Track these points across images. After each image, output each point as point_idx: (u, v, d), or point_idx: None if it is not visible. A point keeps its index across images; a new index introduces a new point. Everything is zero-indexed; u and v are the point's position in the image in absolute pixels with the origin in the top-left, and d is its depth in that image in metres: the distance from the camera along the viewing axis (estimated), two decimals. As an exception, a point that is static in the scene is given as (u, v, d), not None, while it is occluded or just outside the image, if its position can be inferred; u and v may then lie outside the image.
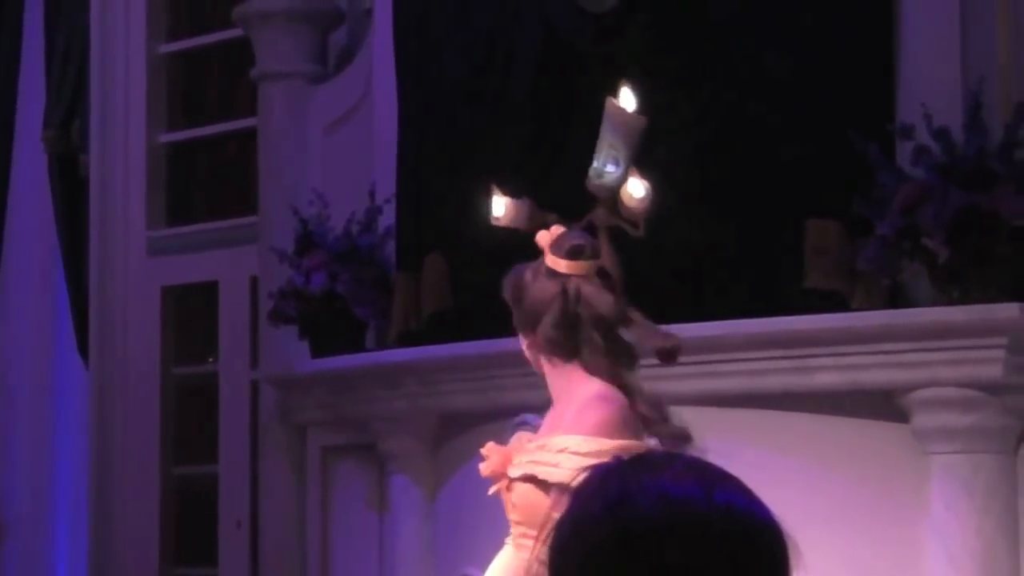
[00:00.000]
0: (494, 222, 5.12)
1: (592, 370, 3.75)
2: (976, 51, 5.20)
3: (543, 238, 3.87)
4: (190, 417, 8.00)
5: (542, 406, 3.90)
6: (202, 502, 7.80)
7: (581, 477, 1.65)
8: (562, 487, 3.56)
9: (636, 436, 3.68)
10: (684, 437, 3.68)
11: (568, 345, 3.75)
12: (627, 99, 4.91)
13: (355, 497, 6.77)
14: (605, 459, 3.57)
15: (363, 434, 6.51)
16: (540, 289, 3.78)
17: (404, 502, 6.36)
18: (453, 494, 6.16)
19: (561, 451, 3.63)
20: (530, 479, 3.69)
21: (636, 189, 4.85)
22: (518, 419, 4.00)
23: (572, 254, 3.80)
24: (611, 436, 3.63)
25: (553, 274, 3.78)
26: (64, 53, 8.34)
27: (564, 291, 3.75)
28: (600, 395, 3.70)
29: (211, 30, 7.99)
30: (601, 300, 3.74)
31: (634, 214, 4.87)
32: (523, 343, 3.88)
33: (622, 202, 4.91)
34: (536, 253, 3.93)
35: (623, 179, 4.92)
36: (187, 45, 8.11)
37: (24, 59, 8.64)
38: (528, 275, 3.83)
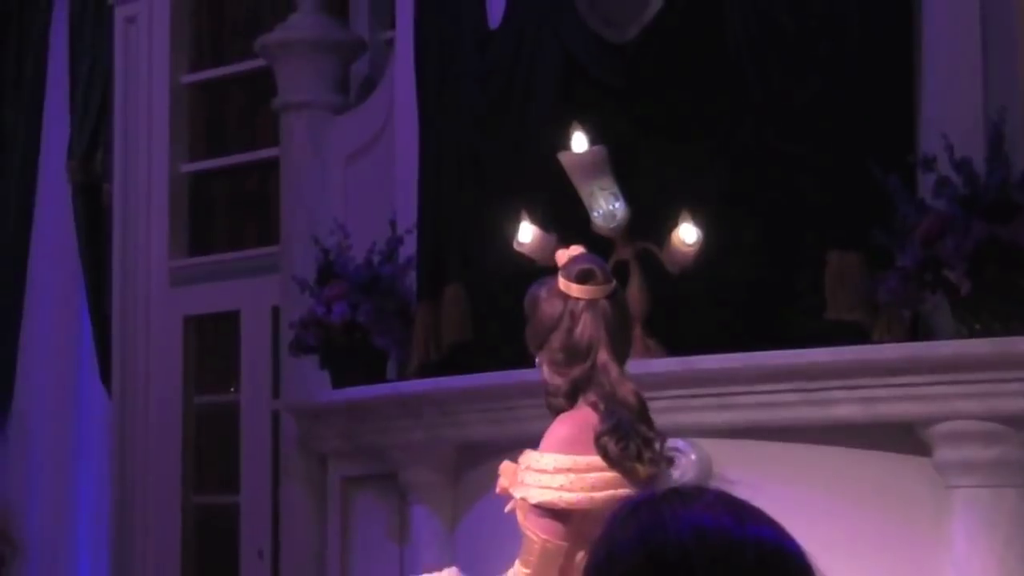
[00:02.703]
0: (517, 247, 5.14)
1: (595, 392, 3.81)
2: (998, 82, 5.18)
3: (561, 256, 3.91)
4: (211, 446, 8.00)
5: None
6: (223, 531, 7.79)
7: (615, 508, 1.70)
8: (540, 505, 3.64)
9: (598, 452, 3.75)
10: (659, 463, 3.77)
11: (567, 366, 3.81)
12: (579, 142, 4.91)
13: (375, 527, 6.77)
14: (561, 475, 3.64)
15: (383, 464, 6.50)
16: (549, 307, 3.84)
17: (424, 532, 6.34)
18: (473, 524, 6.15)
19: (526, 468, 3.72)
20: (520, 501, 3.79)
21: (688, 234, 4.87)
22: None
23: (581, 278, 3.84)
24: (571, 451, 3.69)
25: (562, 295, 3.82)
26: (88, 83, 8.38)
27: (563, 314, 3.80)
28: (571, 413, 3.74)
29: (233, 60, 8.02)
30: (593, 328, 3.79)
31: (684, 258, 4.89)
32: (537, 360, 3.93)
33: (672, 246, 4.92)
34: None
35: (628, 210, 4.94)
36: (209, 75, 8.13)
37: (48, 89, 8.68)
38: (543, 292, 3.87)
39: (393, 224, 6.61)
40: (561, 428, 3.78)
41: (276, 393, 7.42)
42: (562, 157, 4.78)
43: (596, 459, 3.70)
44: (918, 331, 5.17)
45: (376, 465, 6.59)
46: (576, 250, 3.94)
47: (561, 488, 3.67)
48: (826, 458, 5.20)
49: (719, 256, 5.38)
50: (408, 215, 6.53)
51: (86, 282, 8.44)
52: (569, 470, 3.68)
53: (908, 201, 5.06)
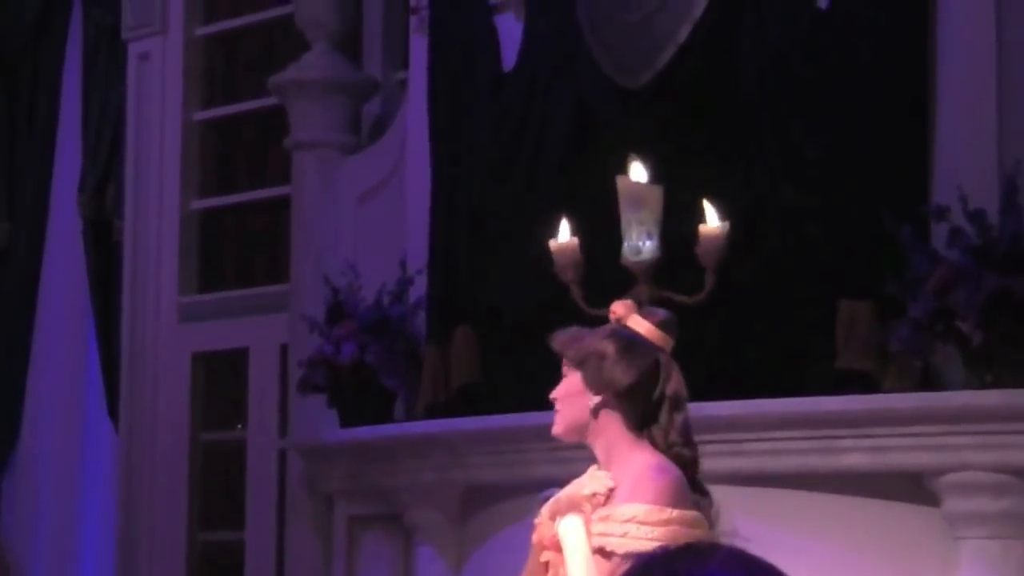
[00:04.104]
0: (552, 247, 5.14)
1: (656, 443, 3.74)
2: (1013, 134, 5.18)
3: (618, 307, 3.84)
4: (217, 484, 7.99)
5: (568, 481, 3.88)
6: (228, 569, 7.77)
7: (629, 565, 1.69)
8: (629, 556, 3.55)
9: (694, 507, 3.69)
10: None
11: (642, 414, 3.74)
12: (638, 172, 4.94)
13: (381, 567, 6.75)
14: (670, 527, 3.53)
15: (389, 505, 6.49)
16: (634, 359, 3.74)
17: (429, 573, 6.33)
18: (478, 566, 6.14)
19: (628, 520, 3.61)
20: (597, 550, 3.67)
21: (712, 218, 4.90)
22: (545, 494, 3.99)
23: (668, 327, 3.78)
24: (672, 505, 3.63)
25: (649, 345, 3.75)
26: (100, 119, 8.40)
27: (657, 364, 3.73)
28: (657, 465, 3.70)
29: (246, 98, 8.03)
30: (680, 380, 3.75)
31: (717, 244, 4.85)
32: (588, 397, 3.81)
33: (703, 238, 4.91)
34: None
35: (660, 251, 4.95)
36: (222, 113, 8.15)
37: (61, 124, 8.70)
38: (620, 345, 3.78)
39: (403, 264, 6.61)
40: (656, 482, 3.67)
41: (283, 432, 7.41)
42: (619, 180, 4.83)
43: (694, 514, 3.65)
44: (929, 381, 5.16)
45: (382, 505, 6.58)
46: (633, 304, 3.88)
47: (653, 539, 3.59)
48: (834, 507, 5.19)
49: (730, 302, 5.37)
50: (419, 256, 6.53)
51: (95, 317, 8.44)
52: (668, 523, 3.62)
53: (921, 251, 5.06)
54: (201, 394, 8.02)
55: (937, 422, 4.93)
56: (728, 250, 4.90)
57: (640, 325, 3.78)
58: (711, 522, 3.74)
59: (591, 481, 3.78)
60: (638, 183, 4.88)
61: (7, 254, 8.81)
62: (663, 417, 3.73)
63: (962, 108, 5.27)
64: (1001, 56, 5.24)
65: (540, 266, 5.36)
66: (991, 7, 5.26)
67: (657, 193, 4.89)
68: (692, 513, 3.63)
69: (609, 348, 3.77)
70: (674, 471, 3.69)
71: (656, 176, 4.87)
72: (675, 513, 3.60)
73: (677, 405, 3.74)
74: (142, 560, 7.96)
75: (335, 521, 6.91)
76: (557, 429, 3.92)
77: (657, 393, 3.74)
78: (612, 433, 3.77)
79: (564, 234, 5.15)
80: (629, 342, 3.77)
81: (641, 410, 3.74)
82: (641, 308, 3.84)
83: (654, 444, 3.74)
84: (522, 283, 6.03)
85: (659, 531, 3.57)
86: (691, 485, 3.72)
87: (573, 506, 3.74)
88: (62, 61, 8.70)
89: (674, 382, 3.75)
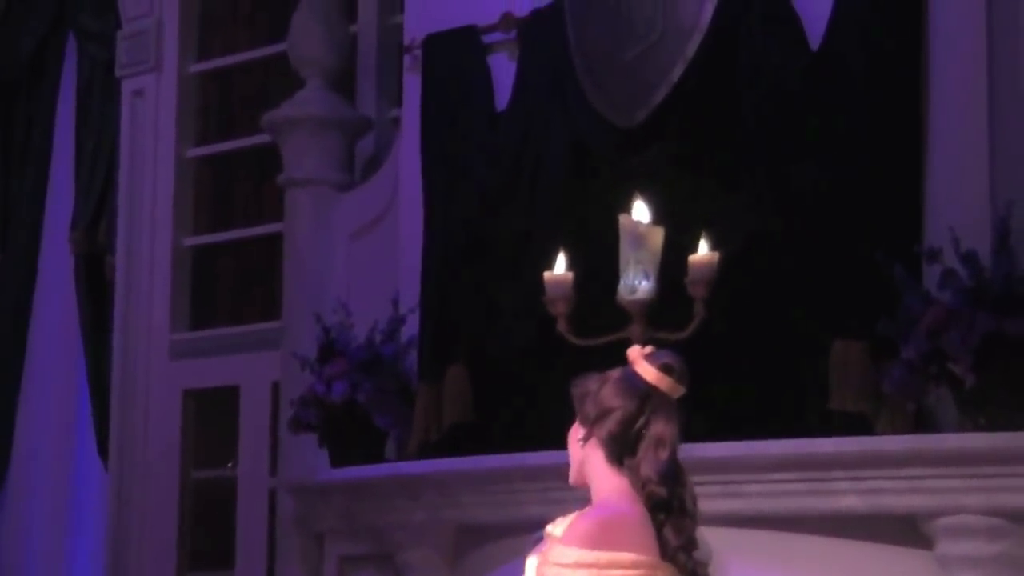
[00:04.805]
0: (546, 277, 5.13)
1: (632, 478, 3.70)
2: (1005, 175, 5.18)
3: (634, 353, 3.82)
4: (208, 521, 7.95)
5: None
6: (218, 607, 7.74)
7: None
8: None
9: (637, 548, 3.61)
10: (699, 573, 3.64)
11: (621, 448, 3.70)
12: (640, 211, 4.93)
13: (372, 607, 6.72)
14: (593, 571, 3.48)
15: (381, 544, 6.45)
16: (620, 388, 3.72)
17: (421, 613, 6.30)
18: (470, 607, 6.11)
19: (555, 564, 3.57)
20: None
21: (703, 248, 4.90)
22: (539, 534, 3.97)
23: (666, 370, 3.75)
24: (595, 546, 3.58)
25: (642, 381, 3.72)
26: (94, 155, 8.40)
27: (640, 399, 3.70)
28: (603, 502, 3.66)
29: (239, 135, 8.03)
30: (671, 425, 3.70)
31: (706, 271, 4.84)
32: (576, 438, 3.79)
33: (692, 267, 4.90)
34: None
35: (655, 291, 4.94)
36: (215, 150, 8.14)
37: (54, 160, 8.69)
38: (615, 373, 3.76)
39: (396, 303, 6.59)
40: (586, 521, 3.66)
41: (274, 470, 7.38)
42: (621, 218, 4.82)
43: (620, 556, 3.61)
44: (922, 423, 5.14)
45: (374, 545, 6.55)
46: (651, 348, 3.87)
47: None
48: (828, 549, 5.16)
49: (724, 342, 5.36)
50: (411, 294, 6.51)
51: (86, 353, 8.42)
52: (591, 566, 3.58)
53: (913, 292, 5.05)
54: (192, 431, 7.99)
55: (930, 464, 4.91)
56: (718, 283, 4.88)
57: (646, 371, 3.76)
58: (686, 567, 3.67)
59: (564, 520, 3.76)
60: (640, 223, 4.87)
61: (-1, 288, 8.80)
62: (640, 452, 3.69)
63: (954, 149, 5.28)
64: (993, 97, 5.24)
65: (533, 306, 5.35)
66: (983, 50, 5.27)
67: (659, 234, 4.88)
68: (625, 556, 3.55)
69: (599, 385, 3.76)
70: (618, 509, 3.62)
71: (657, 215, 4.86)
72: (603, 556, 3.54)
73: (659, 444, 3.69)
74: (132, 598, 7.92)
75: (326, 561, 6.87)
76: (570, 476, 3.88)
77: (637, 428, 3.69)
78: (593, 465, 3.74)
79: (560, 266, 5.15)
80: (622, 380, 3.75)
81: (620, 444, 3.69)
82: (652, 354, 3.81)
83: (632, 480, 3.69)
84: (515, 322, 6.02)
85: (580, 574, 3.54)
86: (676, 530, 3.66)
87: (548, 545, 3.72)
88: (56, 96, 8.70)
89: (661, 424, 3.69)
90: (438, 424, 6.21)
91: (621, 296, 4.96)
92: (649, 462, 3.66)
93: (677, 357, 3.79)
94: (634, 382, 3.73)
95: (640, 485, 3.67)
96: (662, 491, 3.66)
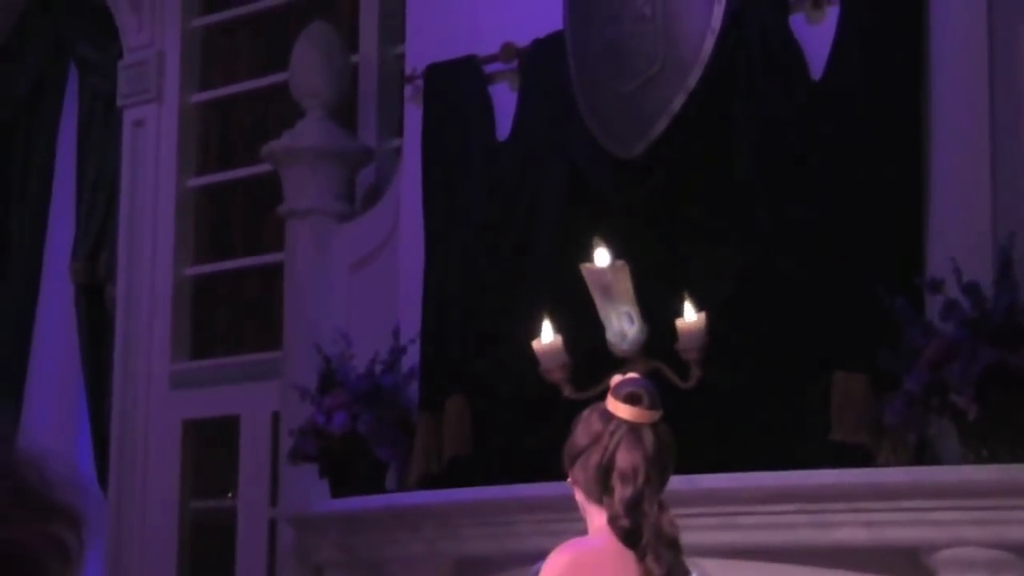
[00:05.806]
0: (536, 348, 5.08)
1: (608, 515, 3.71)
2: (1007, 206, 5.17)
3: (615, 380, 3.81)
4: (207, 552, 7.92)
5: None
6: (217, 639, 7.70)
7: None
8: None
9: None
10: None
11: (593, 483, 3.71)
12: (601, 257, 4.87)
13: (371, 639, 6.67)
14: None
15: (380, 576, 6.43)
16: (588, 426, 3.73)
17: (420, 645, 6.26)
18: (469, 639, 6.08)
19: None
20: None
21: (690, 312, 4.84)
22: (536, 567, 3.96)
23: (629, 399, 3.74)
24: None
25: (608, 416, 3.72)
26: (94, 185, 8.40)
27: (602, 434, 3.69)
28: (567, 543, 3.67)
29: (240, 165, 8.03)
30: (629, 454, 3.68)
31: (696, 338, 4.81)
32: (570, 479, 3.81)
33: (681, 332, 4.86)
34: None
35: (646, 330, 4.90)
36: (215, 180, 8.14)
37: (55, 190, 8.69)
38: (586, 412, 3.77)
39: (396, 334, 6.57)
40: (552, 559, 3.67)
41: (274, 501, 7.35)
42: (584, 269, 4.76)
43: None
44: (924, 455, 5.12)
45: (372, 577, 6.52)
46: (632, 375, 3.86)
47: None
48: (829, 582, 5.14)
49: (724, 374, 5.33)
50: (411, 325, 6.49)
51: (86, 383, 8.41)
52: None
53: (915, 323, 5.03)
54: (191, 461, 7.97)
55: (932, 497, 4.89)
56: (709, 342, 4.84)
57: (615, 406, 3.76)
58: None
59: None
60: (601, 269, 4.79)
61: (-1, 318, 8.79)
62: (611, 487, 3.70)
63: (956, 181, 5.26)
64: (995, 129, 5.23)
65: (533, 337, 5.32)
66: (984, 81, 5.26)
67: (624, 272, 4.81)
68: None
69: (576, 425, 3.78)
70: (584, 545, 3.64)
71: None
72: None
73: (623, 478, 3.68)
74: (130, 629, 7.89)
75: (325, 592, 6.84)
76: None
77: (600, 462, 3.68)
78: (582, 503, 3.77)
79: (547, 335, 5.05)
80: (590, 419, 3.76)
81: (594, 484, 3.70)
82: (618, 385, 3.80)
83: (607, 515, 3.70)
84: (514, 354, 5.99)
85: None
86: (656, 560, 3.65)
87: None
88: (57, 126, 8.71)
89: (624, 453, 3.68)
90: (438, 456, 6.18)
91: (613, 347, 4.91)
92: (617, 496, 3.67)
93: (643, 382, 3.79)
94: (602, 418, 3.73)
95: (612, 519, 3.68)
96: (626, 523, 3.67)
